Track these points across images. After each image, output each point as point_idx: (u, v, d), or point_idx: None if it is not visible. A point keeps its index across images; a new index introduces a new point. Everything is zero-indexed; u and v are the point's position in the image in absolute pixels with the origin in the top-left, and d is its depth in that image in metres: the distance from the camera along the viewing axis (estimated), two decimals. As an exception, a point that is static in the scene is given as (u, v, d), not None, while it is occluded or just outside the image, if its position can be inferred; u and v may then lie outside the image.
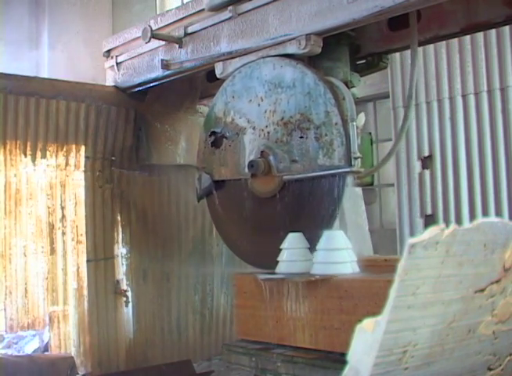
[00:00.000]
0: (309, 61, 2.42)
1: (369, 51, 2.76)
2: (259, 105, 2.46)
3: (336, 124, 2.21)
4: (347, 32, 2.41)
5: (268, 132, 2.42)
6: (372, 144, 2.67)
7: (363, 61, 2.81)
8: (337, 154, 2.20)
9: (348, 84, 2.50)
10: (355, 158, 2.19)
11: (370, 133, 2.80)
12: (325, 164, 2.23)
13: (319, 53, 2.34)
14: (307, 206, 2.34)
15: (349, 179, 2.25)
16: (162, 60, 2.85)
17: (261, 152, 2.43)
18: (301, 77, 2.31)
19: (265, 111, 2.44)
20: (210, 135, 2.66)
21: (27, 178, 2.91)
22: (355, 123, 2.22)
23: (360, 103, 6.11)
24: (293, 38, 2.31)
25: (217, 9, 2.61)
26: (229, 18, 2.54)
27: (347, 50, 2.60)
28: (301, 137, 2.30)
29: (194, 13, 2.77)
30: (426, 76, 4.82)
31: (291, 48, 2.34)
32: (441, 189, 4.70)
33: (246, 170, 2.45)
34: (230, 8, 2.50)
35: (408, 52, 4.75)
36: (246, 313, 2.34)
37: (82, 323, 3.02)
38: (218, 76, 2.67)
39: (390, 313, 1.10)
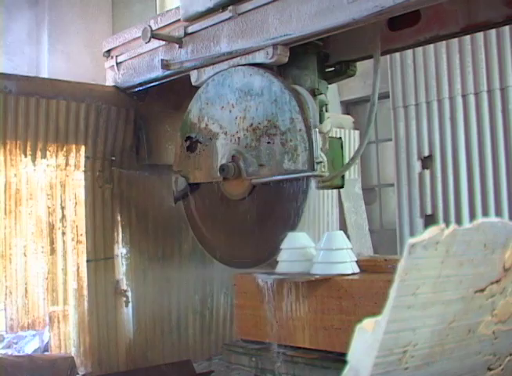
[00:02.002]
0: (279, 69, 2.53)
1: (337, 59, 2.86)
2: (230, 112, 2.58)
3: (300, 130, 2.32)
4: (314, 42, 2.50)
5: (239, 138, 2.54)
6: (342, 148, 2.80)
7: (332, 69, 2.90)
8: (300, 159, 2.31)
9: (316, 92, 2.61)
10: (318, 163, 2.29)
11: (340, 138, 2.97)
12: (290, 169, 2.35)
13: (288, 62, 2.44)
14: (274, 208, 2.46)
15: (312, 183, 2.35)
16: (162, 60, 2.85)
17: (232, 156, 2.55)
18: (268, 86, 2.43)
19: (236, 118, 2.55)
20: (185, 140, 2.77)
21: (27, 178, 2.91)
22: (317, 129, 2.33)
23: (360, 102, 6.14)
24: (262, 48, 2.41)
25: (191, 19, 2.72)
26: (229, 18, 2.54)
27: (315, 59, 2.68)
28: (269, 142, 2.42)
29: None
30: (426, 76, 4.82)
31: (260, 58, 2.45)
32: (441, 189, 4.70)
33: (219, 173, 2.57)
34: (230, 8, 2.51)
35: (408, 52, 4.78)
36: (246, 313, 2.34)
37: (82, 323, 3.02)
38: (193, 84, 2.77)
39: (390, 313, 1.10)
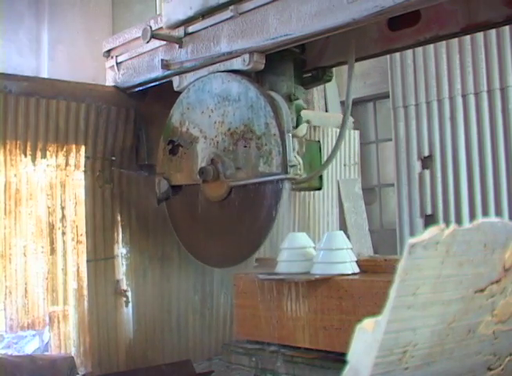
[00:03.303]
0: (256, 76, 2.64)
1: (313, 65, 2.95)
2: (210, 116, 2.67)
3: (274, 134, 2.41)
4: (291, 49, 2.59)
5: (217, 142, 2.63)
6: (320, 151, 2.90)
7: (309, 75, 3.00)
8: (275, 162, 2.41)
9: (292, 97, 2.71)
10: (291, 166, 2.39)
11: (319, 141, 3.12)
12: (265, 172, 2.44)
13: (265, 68, 2.55)
14: (250, 209, 2.56)
15: (286, 185, 2.43)
16: (162, 60, 2.85)
17: (211, 160, 2.65)
18: (245, 92, 2.52)
19: (215, 122, 2.65)
20: (168, 144, 2.88)
21: (27, 178, 2.91)
22: (290, 134, 2.43)
23: (360, 102, 6.14)
24: (238, 55, 2.52)
25: (173, 27, 2.79)
26: (230, 18, 2.55)
27: (292, 65, 2.78)
28: (245, 146, 2.52)
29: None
30: (426, 76, 4.82)
31: (237, 65, 2.55)
32: (441, 189, 4.71)
33: (198, 176, 2.67)
34: (231, 7, 2.52)
35: (408, 52, 4.78)
36: (246, 313, 2.34)
37: (82, 323, 3.02)
38: (175, 89, 2.87)
39: (390, 313, 1.10)
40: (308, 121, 4.16)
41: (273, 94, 2.58)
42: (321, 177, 2.90)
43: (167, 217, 3.00)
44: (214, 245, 2.74)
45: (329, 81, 3.04)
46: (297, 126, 2.69)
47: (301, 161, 2.54)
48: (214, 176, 2.62)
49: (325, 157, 3.85)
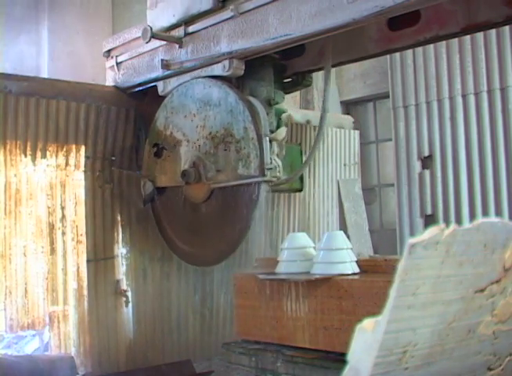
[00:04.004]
0: (237, 81, 2.72)
1: (293, 70, 3.04)
2: (192, 120, 2.77)
3: (252, 138, 2.51)
4: (270, 55, 2.70)
5: (199, 145, 2.73)
6: (301, 154, 3.01)
7: (289, 80, 3.10)
8: (253, 165, 2.51)
9: (271, 102, 2.81)
10: (268, 169, 2.50)
11: (300, 144, 3.27)
12: (244, 174, 2.54)
13: (246, 74, 2.64)
14: (230, 210, 2.67)
15: (263, 187, 2.54)
16: (162, 60, 2.86)
17: (193, 162, 2.75)
18: (225, 97, 2.62)
19: (197, 126, 2.74)
20: (153, 147, 2.97)
21: (27, 178, 2.91)
22: (267, 138, 2.55)
23: (360, 102, 6.14)
24: (219, 61, 2.62)
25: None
26: (230, 18, 2.55)
27: (272, 70, 2.87)
28: (225, 150, 2.62)
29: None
30: (426, 76, 4.82)
31: (217, 70, 2.65)
32: (441, 189, 4.71)
33: (181, 178, 2.77)
34: (232, 7, 2.53)
35: (408, 52, 4.78)
36: (246, 313, 2.34)
37: (82, 323, 3.01)
38: (159, 93, 2.95)
39: (390, 313, 1.10)
40: (308, 121, 4.21)
41: (252, 99, 2.67)
42: (302, 179, 3.00)
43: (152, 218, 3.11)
44: (197, 245, 2.86)
45: (309, 85, 3.14)
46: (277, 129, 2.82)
47: (280, 164, 2.67)
48: (196, 178, 2.71)
49: (325, 158, 3.90)
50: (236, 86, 2.70)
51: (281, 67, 2.99)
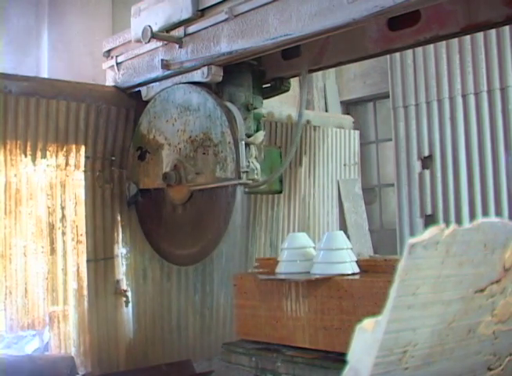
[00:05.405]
0: (217, 87, 2.81)
1: (272, 76, 3.10)
2: (173, 125, 2.86)
3: (229, 142, 2.60)
4: (248, 61, 2.78)
5: (180, 149, 2.83)
6: (281, 157, 3.08)
7: (268, 85, 3.15)
8: (229, 168, 2.60)
9: (249, 107, 2.88)
10: (243, 172, 2.59)
11: (280, 147, 3.39)
12: (221, 177, 2.64)
13: (225, 80, 2.73)
14: (208, 211, 2.78)
15: (239, 189, 2.65)
16: (162, 60, 2.86)
17: (174, 165, 2.84)
18: (204, 102, 2.72)
19: (178, 130, 2.84)
20: (137, 150, 3.07)
21: (27, 178, 2.91)
22: (243, 142, 2.63)
23: (360, 102, 6.14)
24: (199, 68, 2.70)
25: (140, 42, 2.90)
26: (228, 19, 2.55)
27: (250, 76, 2.93)
28: (204, 153, 2.72)
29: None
30: (426, 76, 4.82)
31: (197, 77, 2.73)
32: (441, 189, 4.70)
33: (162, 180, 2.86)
34: (226, 9, 2.54)
35: (408, 52, 4.78)
36: (246, 313, 2.34)
37: (82, 323, 3.02)
38: (143, 99, 3.06)
39: (390, 313, 1.10)
40: (308, 121, 4.21)
41: (229, 105, 2.75)
42: (281, 180, 3.04)
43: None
44: (178, 245, 2.97)
45: (287, 90, 3.18)
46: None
47: (258, 166, 2.74)
48: (177, 181, 2.81)
49: (325, 158, 3.91)
50: (216, 92, 2.79)
51: (260, 73, 3.04)
